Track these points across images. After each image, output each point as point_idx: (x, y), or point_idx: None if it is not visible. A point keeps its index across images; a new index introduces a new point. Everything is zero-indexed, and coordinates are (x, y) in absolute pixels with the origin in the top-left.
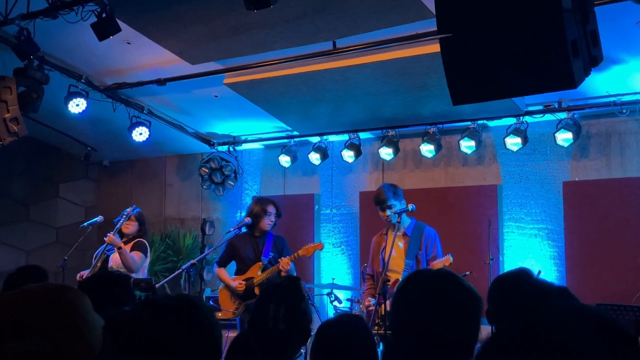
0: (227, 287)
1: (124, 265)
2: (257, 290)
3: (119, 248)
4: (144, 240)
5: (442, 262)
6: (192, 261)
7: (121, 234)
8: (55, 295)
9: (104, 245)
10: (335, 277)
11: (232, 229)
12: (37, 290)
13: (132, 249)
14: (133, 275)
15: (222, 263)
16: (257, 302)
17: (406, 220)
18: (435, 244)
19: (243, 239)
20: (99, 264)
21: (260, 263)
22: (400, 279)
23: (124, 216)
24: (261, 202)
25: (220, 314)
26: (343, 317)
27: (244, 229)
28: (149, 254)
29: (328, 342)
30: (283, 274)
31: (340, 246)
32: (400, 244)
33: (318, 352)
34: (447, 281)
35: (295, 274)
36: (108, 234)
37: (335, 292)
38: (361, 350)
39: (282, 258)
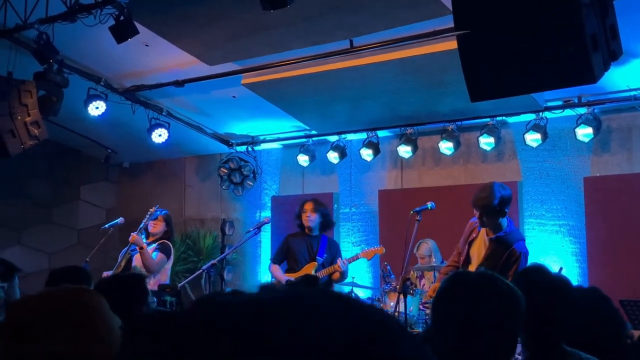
0: (279, 284)
1: (144, 266)
2: None
3: (141, 248)
4: (169, 243)
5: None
6: (213, 261)
7: (147, 234)
8: (74, 298)
9: (129, 245)
10: (355, 276)
11: (251, 229)
12: (55, 293)
13: (155, 250)
14: (152, 276)
15: (276, 260)
16: None
17: (501, 227)
18: (518, 262)
19: (298, 238)
20: (122, 264)
21: (315, 263)
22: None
23: (149, 216)
24: (301, 201)
25: None
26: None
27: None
28: (172, 256)
29: None
30: (337, 275)
31: (360, 245)
32: (484, 247)
33: None
34: (492, 282)
35: (347, 276)
36: (132, 234)
37: (356, 291)
38: None
39: (340, 259)
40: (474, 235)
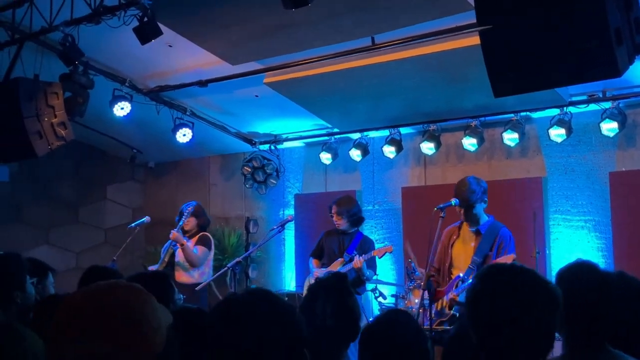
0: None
1: (187, 261)
2: None
3: (182, 245)
4: (208, 234)
5: (504, 258)
6: (238, 259)
7: (184, 231)
8: (121, 296)
9: (170, 241)
10: (379, 273)
11: (275, 227)
12: (102, 290)
13: (196, 244)
14: (196, 269)
15: (315, 255)
16: (305, 300)
17: (483, 217)
18: (508, 247)
19: (332, 235)
20: (166, 259)
21: (342, 260)
22: (462, 276)
23: (184, 214)
24: (329, 202)
25: None
26: (392, 313)
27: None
28: (212, 246)
29: (379, 339)
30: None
31: (384, 242)
32: (473, 241)
33: (368, 349)
34: (530, 276)
35: (367, 274)
36: (172, 231)
37: (380, 288)
38: (412, 346)
39: (357, 257)
40: (454, 237)
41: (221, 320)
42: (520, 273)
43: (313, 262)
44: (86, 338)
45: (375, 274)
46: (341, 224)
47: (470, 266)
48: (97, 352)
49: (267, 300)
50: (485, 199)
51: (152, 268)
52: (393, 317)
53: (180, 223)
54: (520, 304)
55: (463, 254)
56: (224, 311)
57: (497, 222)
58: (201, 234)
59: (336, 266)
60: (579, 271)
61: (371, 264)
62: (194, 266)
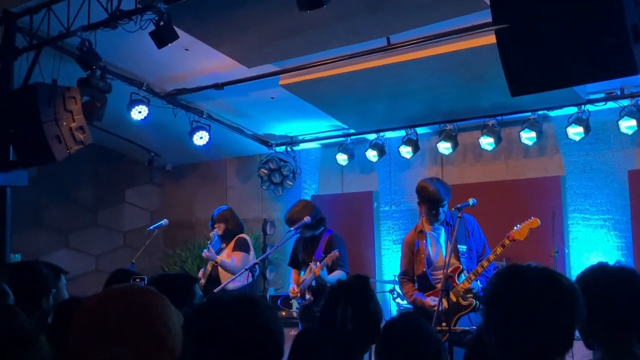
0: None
1: (228, 272)
2: (307, 292)
3: (215, 262)
4: (244, 236)
5: (499, 247)
6: (255, 261)
7: (221, 237)
8: (140, 301)
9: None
10: (396, 274)
11: (292, 229)
12: (121, 294)
13: (233, 250)
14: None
15: (291, 264)
16: (326, 301)
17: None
18: (479, 229)
19: (300, 241)
20: (209, 268)
21: (311, 266)
22: (461, 267)
23: (211, 237)
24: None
25: (284, 313)
26: (406, 316)
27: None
28: (251, 247)
29: (393, 342)
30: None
31: (401, 243)
32: (442, 234)
33: (384, 352)
34: (553, 280)
35: (326, 280)
36: (204, 251)
37: (398, 288)
38: (427, 348)
39: (318, 263)
40: (423, 242)
41: (200, 322)
42: (539, 272)
43: (292, 273)
44: (107, 343)
45: (346, 272)
46: (305, 234)
47: (462, 255)
48: (118, 357)
49: (247, 310)
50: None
51: (202, 281)
52: (407, 320)
53: (214, 238)
54: (539, 303)
55: (439, 251)
56: (205, 313)
57: (451, 210)
58: (237, 237)
59: (307, 274)
60: (597, 272)
61: (340, 263)
62: (232, 273)
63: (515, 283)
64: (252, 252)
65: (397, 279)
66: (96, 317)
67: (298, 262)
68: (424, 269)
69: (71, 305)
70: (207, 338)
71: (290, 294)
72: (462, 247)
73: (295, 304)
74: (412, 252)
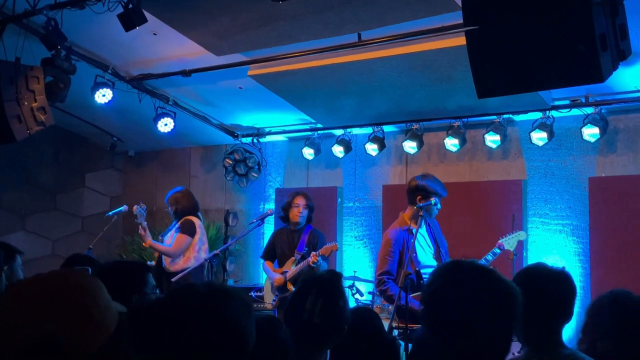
0: (269, 279)
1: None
2: (289, 285)
3: (146, 243)
4: (190, 219)
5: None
6: (215, 252)
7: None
8: (63, 279)
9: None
10: (357, 270)
11: (254, 220)
12: (45, 276)
13: (175, 232)
14: (177, 258)
15: (266, 256)
16: (296, 291)
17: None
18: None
19: (281, 234)
20: (156, 254)
21: (293, 258)
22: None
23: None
24: (290, 194)
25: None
26: (355, 311)
27: (283, 224)
28: (197, 230)
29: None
30: (315, 269)
31: (363, 239)
32: (425, 233)
33: (339, 347)
34: (489, 274)
35: (323, 268)
36: (140, 227)
37: (357, 284)
38: (375, 344)
39: (313, 252)
40: (412, 239)
41: (170, 309)
42: (481, 272)
43: (267, 265)
44: (30, 320)
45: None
46: (304, 215)
47: (443, 256)
48: (42, 332)
49: (223, 299)
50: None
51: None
52: (359, 315)
53: (141, 214)
54: (478, 303)
55: (426, 249)
56: (177, 300)
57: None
58: (183, 219)
59: (289, 266)
60: (532, 271)
61: (325, 258)
62: (170, 257)
63: (454, 281)
64: (198, 236)
65: (355, 274)
66: (21, 295)
67: (274, 255)
68: (417, 268)
69: None
70: (171, 327)
71: (275, 284)
72: (444, 241)
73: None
74: (399, 251)
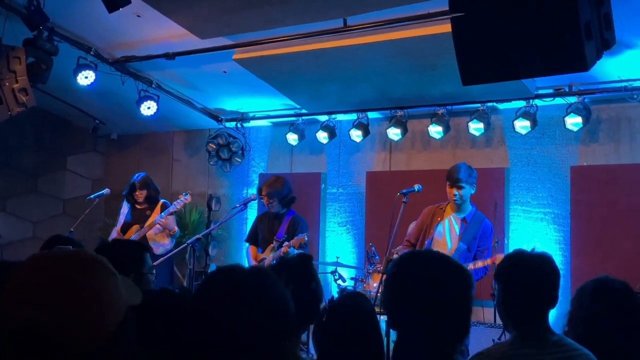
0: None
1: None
2: None
3: (172, 232)
4: (166, 201)
5: (482, 262)
6: (198, 236)
7: (139, 203)
8: (70, 265)
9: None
10: (339, 256)
11: (237, 205)
12: (53, 259)
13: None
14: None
15: (249, 240)
16: None
17: (468, 207)
18: (490, 237)
19: (263, 219)
20: (131, 234)
21: (272, 245)
22: None
23: (131, 195)
24: (259, 184)
25: None
26: (348, 296)
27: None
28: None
29: (334, 321)
30: None
31: (346, 225)
32: (457, 227)
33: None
34: (438, 262)
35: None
36: (160, 219)
37: (340, 270)
38: (366, 327)
39: (285, 244)
40: (438, 218)
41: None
42: (435, 258)
43: (250, 250)
44: (26, 306)
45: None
46: (272, 206)
47: (457, 252)
48: (33, 320)
49: (264, 283)
50: (475, 186)
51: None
52: (350, 300)
53: (166, 211)
54: (432, 285)
55: (446, 236)
56: (223, 284)
57: (479, 212)
58: (161, 203)
59: (269, 252)
60: (515, 258)
61: (304, 246)
62: (173, 238)
63: (409, 266)
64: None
65: (337, 260)
66: (21, 279)
67: (256, 239)
68: (426, 241)
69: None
70: (219, 310)
71: None
72: (462, 245)
73: None
74: (423, 223)
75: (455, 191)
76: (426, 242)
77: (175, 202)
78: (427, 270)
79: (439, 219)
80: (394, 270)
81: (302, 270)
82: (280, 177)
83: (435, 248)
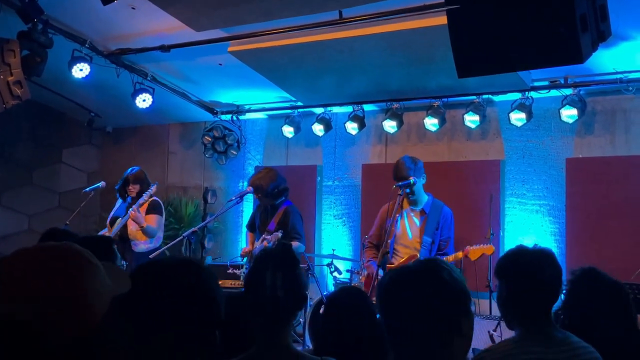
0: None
1: (145, 235)
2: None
3: (142, 227)
4: (157, 199)
5: (453, 256)
6: (194, 229)
7: (134, 200)
8: (56, 261)
9: (121, 212)
10: (335, 248)
11: (233, 198)
12: (39, 252)
13: (147, 212)
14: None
15: (248, 227)
16: (253, 270)
17: (424, 197)
18: (451, 225)
19: (260, 208)
20: (119, 232)
21: (264, 236)
22: (418, 256)
23: (124, 190)
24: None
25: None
26: (345, 290)
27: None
28: (163, 211)
29: (333, 315)
30: None
31: (342, 218)
32: (417, 220)
33: (322, 324)
34: (432, 275)
35: None
36: (131, 210)
37: (336, 262)
38: (364, 320)
39: (266, 239)
40: (396, 215)
41: (142, 283)
42: (429, 283)
43: (248, 236)
44: (8, 299)
45: (303, 244)
46: (265, 202)
47: (424, 246)
48: (14, 314)
49: (192, 272)
50: (424, 175)
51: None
52: (346, 294)
53: (140, 200)
54: (423, 300)
55: (407, 231)
56: (146, 274)
57: (436, 200)
58: (151, 200)
59: (260, 242)
60: (517, 255)
61: (296, 236)
62: (151, 237)
63: (401, 281)
64: (164, 215)
65: (333, 252)
66: (5, 273)
67: (255, 227)
68: (389, 241)
69: None
70: (146, 300)
71: (241, 254)
72: (427, 239)
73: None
74: (383, 222)
75: (406, 187)
76: (389, 241)
77: (144, 194)
78: (416, 287)
79: (397, 215)
80: (382, 297)
81: (285, 258)
82: (271, 169)
83: (399, 244)
